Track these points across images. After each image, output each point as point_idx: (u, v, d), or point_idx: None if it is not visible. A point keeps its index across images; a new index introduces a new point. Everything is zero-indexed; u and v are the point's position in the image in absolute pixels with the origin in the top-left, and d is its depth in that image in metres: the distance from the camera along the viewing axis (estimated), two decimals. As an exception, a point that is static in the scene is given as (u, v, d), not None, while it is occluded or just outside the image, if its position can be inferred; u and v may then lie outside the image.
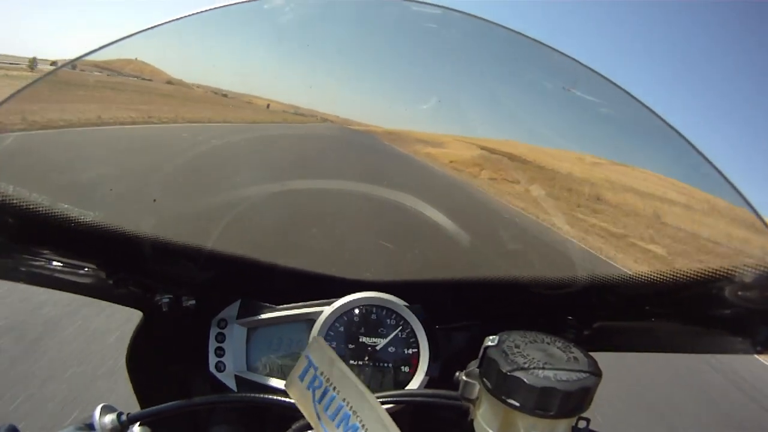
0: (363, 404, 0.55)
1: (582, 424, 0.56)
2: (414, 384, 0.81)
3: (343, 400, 0.57)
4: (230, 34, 0.91)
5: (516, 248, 0.93)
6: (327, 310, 0.84)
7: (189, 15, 0.70)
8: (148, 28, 0.67)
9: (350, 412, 0.56)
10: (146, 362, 0.90)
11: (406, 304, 0.85)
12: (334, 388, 0.58)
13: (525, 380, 0.50)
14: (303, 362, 0.64)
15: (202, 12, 0.71)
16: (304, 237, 1.10)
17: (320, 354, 0.62)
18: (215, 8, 0.72)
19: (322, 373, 0.61)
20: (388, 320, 0.85)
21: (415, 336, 0.84)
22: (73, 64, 0.72)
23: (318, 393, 0.60)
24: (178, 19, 0.69)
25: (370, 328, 0.85)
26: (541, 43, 0.73)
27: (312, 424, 0.60)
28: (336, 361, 0.60)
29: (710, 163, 0.63)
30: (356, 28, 0.95)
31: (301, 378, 0.63)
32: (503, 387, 0.52)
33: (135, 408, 0.75)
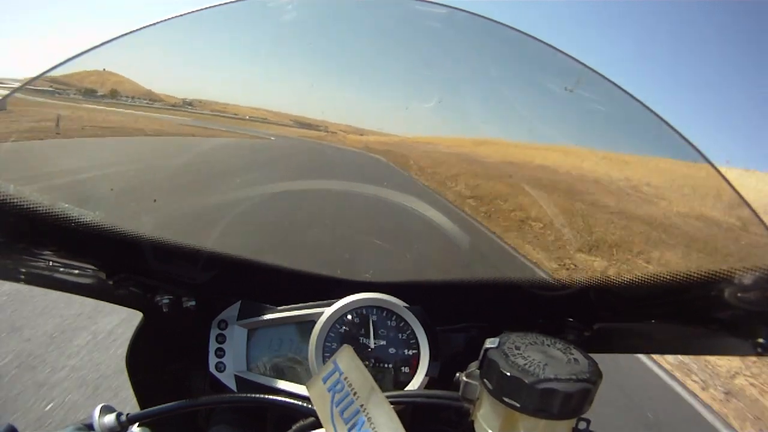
0: (379, 413, 0.56)
1: (582, 425, 0.56)
2: (414, 384, 0.81)
3: (361, 406, 0.58)
4: (224, 35, 0.91)
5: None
6: (327, 312, 0.84)
7: (181, 15, 0.69)
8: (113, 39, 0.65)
9: (365, 418, 0.57)
10: (146, 363, 0.90)
11: (406, 305, 0.85)
12: (355, 394, 0.60)
13: (526, 381, 0.50)
14: (329, 366, 0.65)
15: (190, 13, 0.70)
16: (305, 238, 1.10)
17: (348, 361, 0.64)
18: (205, 8, 0.72)
19: (346, 378, 0.62)
20: (388, 321, 0.85)
21: (415, 337, 0.84)
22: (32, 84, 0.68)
23: (338, 396, 0.61)
24: (165, 20, 0.68)
25: (370, 329, 0.85)
26: (545, 43, 0.74)
27: (323, 424, 0.60)
28: (362, 369, 0.62)
29: (710, 163, 0.63)
30: (359, 27, 0.95)
31: (324, 380, 0.64)
32: (504, 388, 0.52)
33: (135, 408, 0.75)
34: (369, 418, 0.56)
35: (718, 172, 0.63)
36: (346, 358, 0.64)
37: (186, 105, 1.27)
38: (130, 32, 0.66)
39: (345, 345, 0.68)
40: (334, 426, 0.59)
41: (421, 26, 0.85)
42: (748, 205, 0.61)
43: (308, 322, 0.86)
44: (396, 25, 0.90)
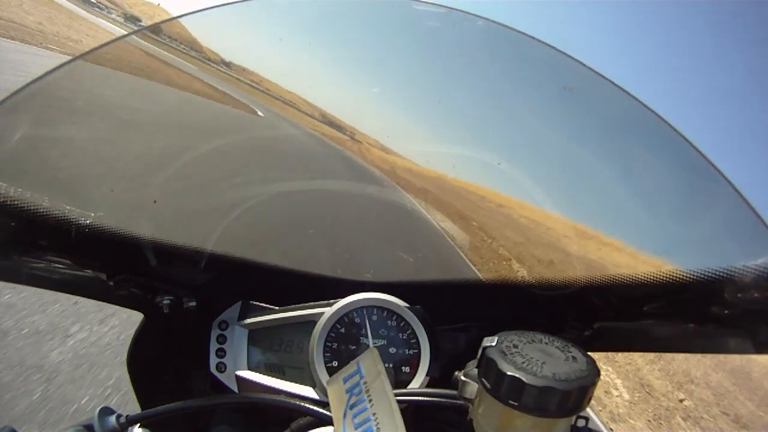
0: (390, 425, 0.56)
1: (581, 422, 0.56)
2: (415, 385, 0.81)
3: (373, 414, 0.57)
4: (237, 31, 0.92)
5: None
6: (328, 312, 0.84)
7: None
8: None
9: (374, 427, 0.56)
10: (147, 363, 0.90)
11: (407, 305, 0.85)
12: (370, 401, 0.59)
13: (523, 380, 0.50)
14: (352, 367, 0.65)
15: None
16: (305, 238, 1.11)
17: (370, 365, 0.64)
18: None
19: (365, 383, 0.62)
20: (389, 321, 0.85)
21: (416, 337, 0.84)
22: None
23: (354, 399, 0.61)
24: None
25: (371, 329, 0.85)
26: (546, 43, 0.74)
27: (335, 425, 0.60)
28: (382, 376, 0.61)
29: (711, 163, 0.63)
30: (360, 27, 0.95)
31: (345, 380, 0.64)
32: (502, 386, 0.52)
33: (136, 409, 0.75)
34: (378, 429, 0.56)
35: (719, 171, 0.63)
36: (369, 363, 0.64)
37: (223, 64, 1.25)
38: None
39: (372, 348, 0.68)
40: (344, 428, 0.59)
41: (421, 27, 0.85)
42: (749, 205, 0.61)
43: (309, 322, 0.86)
44: (395, 26, 0.90)
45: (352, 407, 0.60)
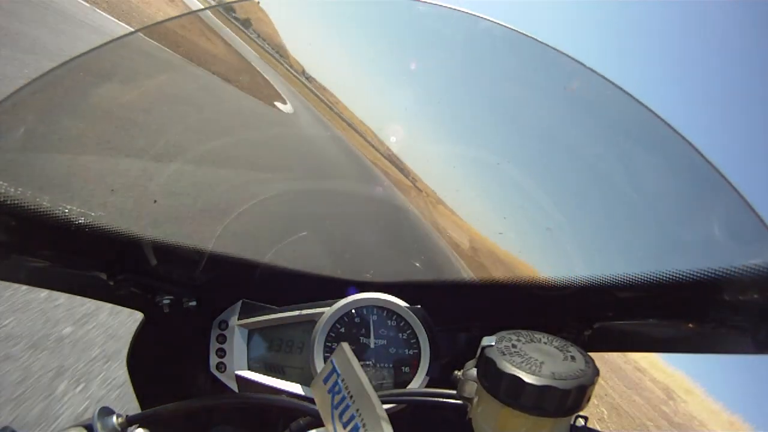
0: (374, 421, 0.55)
1: (580, 422, 0.55)
2: (414, 384, 0.81)
3: (357, 411, 0.57)
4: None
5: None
6: (328, 311, 0.84)
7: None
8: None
9: (360, 425, 0.56)
10: (147, 363, 0.90)
11: (407, 305, 0.85)
12: (351, 397, 0.59)
13: (522, 379, 0.50)
14: (328, 366, 0.64)
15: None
16: (306, 238, 1.11)
17: (344, 361, 0.63)
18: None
19: (343, 380, 0.61)
20: (389, 321, 0.85)
21: (415, 337, 0.84)
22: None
23: (336, 399, 0.60)
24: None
25: (371, 329, 0.85)
26: (546, 44, 0.74)
27: (326, 426, 0.60)
28: (357, 370, 0.61)
29: (710, 163, 0.63)
30: (361, 27, 0.95)
31: (325, 381, 0.63)
32: (501, 386, 0.52)
33: (136, 409, 0.75)
34: (364, 425, 0.56)
35: (718, 172, 0.63)
36: (341, 359, 0.64)
37: (301, 74, 1.21)
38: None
39: (341, 343, 0.68)
40: (335, 428, 0.58)
41: (421, 26, 0.85)
42: (749, 206, 0.61)
43: (309, 322, 0.86)
44: (396, 26, 0.90)
45: (336, 407, 0.60)
